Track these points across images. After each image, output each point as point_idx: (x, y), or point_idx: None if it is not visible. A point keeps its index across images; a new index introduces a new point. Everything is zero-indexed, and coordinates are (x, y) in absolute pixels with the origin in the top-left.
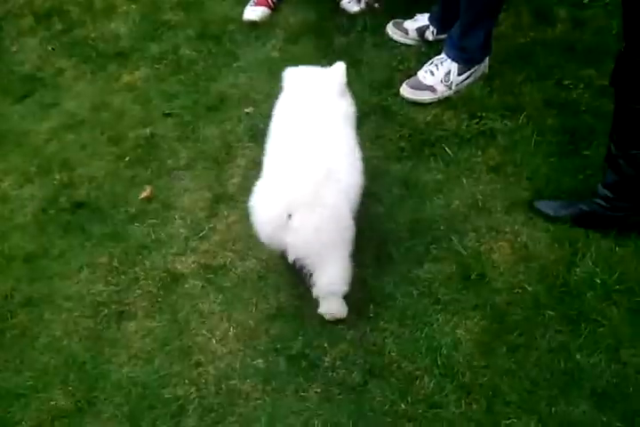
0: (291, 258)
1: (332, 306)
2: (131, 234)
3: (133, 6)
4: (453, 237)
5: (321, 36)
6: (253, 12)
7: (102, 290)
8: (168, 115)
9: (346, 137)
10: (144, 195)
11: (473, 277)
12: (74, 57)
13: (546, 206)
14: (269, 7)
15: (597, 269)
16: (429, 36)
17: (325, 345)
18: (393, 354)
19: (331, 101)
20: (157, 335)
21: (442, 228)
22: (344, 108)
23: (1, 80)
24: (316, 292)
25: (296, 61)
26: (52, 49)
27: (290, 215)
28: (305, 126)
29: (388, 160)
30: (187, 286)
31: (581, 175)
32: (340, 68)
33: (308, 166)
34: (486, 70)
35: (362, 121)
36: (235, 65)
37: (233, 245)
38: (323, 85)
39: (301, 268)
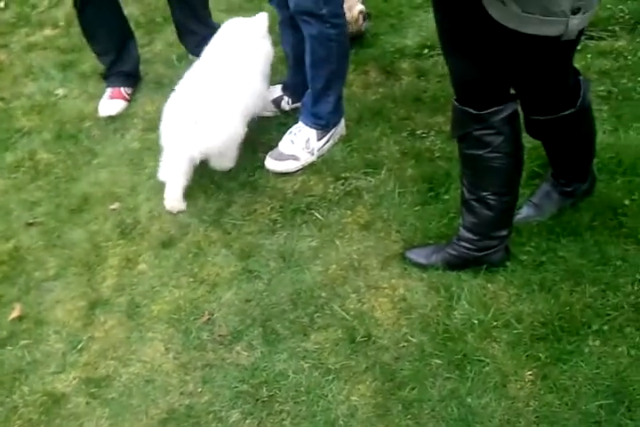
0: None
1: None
2: (4, 360)
3: None
4: (335, 303)
5: None
6: (109, 107)
7: None
8: (31, 224)
9: (252, 69)
10: (14, 315)
11: (359, 339)
12: None
13: (417, 255)
14: (125, 99)
15: (474, 310)
16: (285, 106)
17: None
18: None
19: (252, 41)
20: None
21: (323, 294)
22: (263, 47)
23: None
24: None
25: (157, 149)
26: None
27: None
28: (220, 57)
29: (262, 234)
30: (70, 405)
31: (445, 219)
32: (263, 15)
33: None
34: (343, 131)
35: (231, 198)
36: (95, 162)
37: (114, 352)
38: (248, 28)
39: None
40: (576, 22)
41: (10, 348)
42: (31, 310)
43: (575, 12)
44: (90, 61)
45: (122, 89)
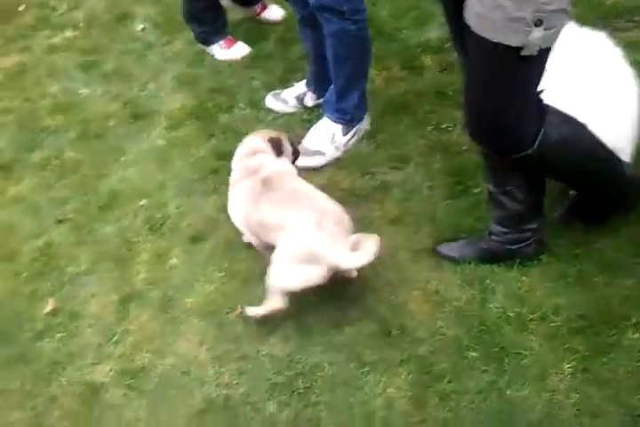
0: None
1: None
2: (40, 352)
3: (10, 117)
4: (368, 296)
5: (203, 117)
6: (237, 51)
7: (19, 418)
8: (60, 221)
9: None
10: (48, 308)
11: (393, 332)
12: None
13: (449, 249)
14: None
15: (509, 303)
16: (309, 101)
17: None
18: None
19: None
20: None
21: (355, 288)
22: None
23: None
24: None
25: (183, 146)
26: None
27: None
28: None
29: None
30: (107, 395)
31: (477, 213)
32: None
33: None
34: (368, 126)
35: None
36: (122, 159)
37: (149, 345)
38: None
39: None
40: (538, 35)
41: (46, 340)
42: (65, 304)
43: (537, 24)
44: (112, 62)
45: (230, 36)
